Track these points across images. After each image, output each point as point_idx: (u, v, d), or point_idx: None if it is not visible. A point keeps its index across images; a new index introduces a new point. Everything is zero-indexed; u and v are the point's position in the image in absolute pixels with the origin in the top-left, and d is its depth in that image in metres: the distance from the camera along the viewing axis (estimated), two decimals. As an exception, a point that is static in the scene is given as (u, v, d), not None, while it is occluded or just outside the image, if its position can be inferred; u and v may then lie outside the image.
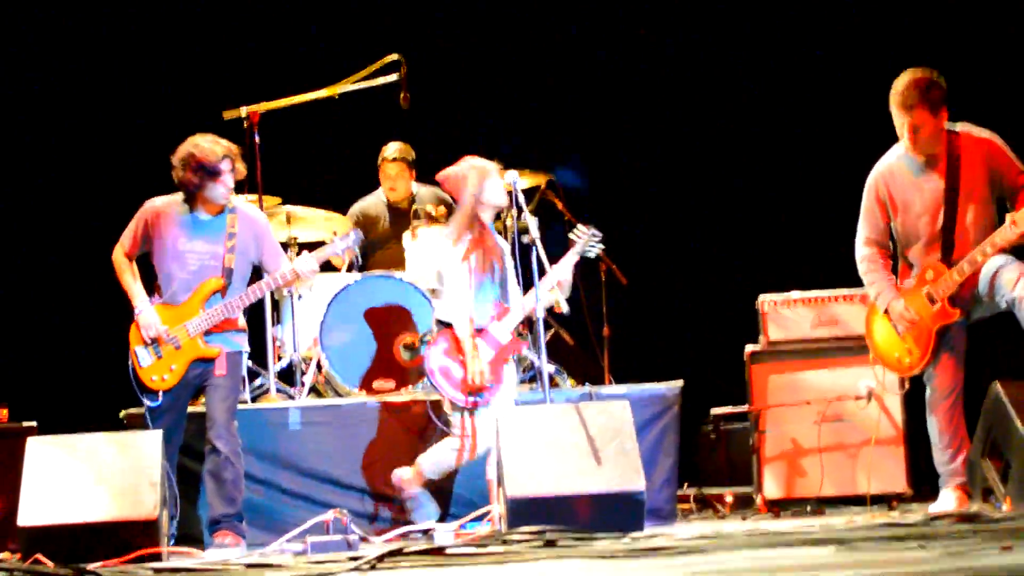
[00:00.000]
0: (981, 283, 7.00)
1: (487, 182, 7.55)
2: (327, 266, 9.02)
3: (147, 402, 7.17)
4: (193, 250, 7.24)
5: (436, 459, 7.40)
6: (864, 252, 7.33)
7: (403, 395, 8.04)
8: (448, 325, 7.40)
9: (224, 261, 7.23)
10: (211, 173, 7.16)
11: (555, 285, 7.34)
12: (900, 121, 7.03)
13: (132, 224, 7.33)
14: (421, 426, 7.72)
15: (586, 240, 7.70)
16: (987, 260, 6.91)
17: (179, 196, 7.30)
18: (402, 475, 7.44)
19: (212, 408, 7.18)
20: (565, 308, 7.25)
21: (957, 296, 7.03)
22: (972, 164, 7.02)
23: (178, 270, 7.22)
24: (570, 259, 7.64)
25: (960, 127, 7.08)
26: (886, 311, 7.22)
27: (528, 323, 8.24)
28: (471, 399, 7.28)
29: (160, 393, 7.15)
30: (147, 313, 7.18)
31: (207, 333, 7.19)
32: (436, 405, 7.58)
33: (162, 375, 7.15)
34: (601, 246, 7.78)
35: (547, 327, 8.15)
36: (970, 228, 7.03)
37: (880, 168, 7.25)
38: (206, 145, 7.19)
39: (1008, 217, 6.87)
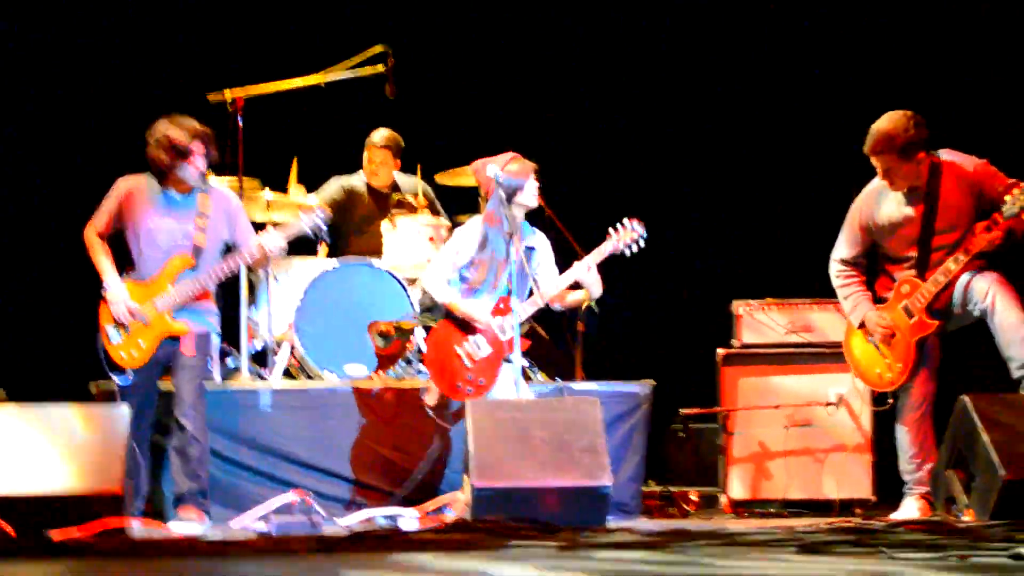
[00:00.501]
0: (956, 293, 7.08)
1: (526, 182, 7.50)
2: (306, 250, 9.03)
3: (117, 380, 7.15)
4: (163, 228, 7.23)
5: None
6: (838, 268, 7.44)
7: (375, 381, 8.04)
8: (437, 319, 7.40)
9: (194, 240, 7.23)
10: (181, 154, 7.15)
11: (577, 282, 7.39)
12: (903, 167, 7.13)
13: (105, 202, 7.32)
14: (392, 413, 7.74)
15: (625, 236, 7.55)
16: (960, 268, 6.98)
17: (150, 175, 7.30)
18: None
19: (179, 387, 7.18)
20: (595, 306, 7.30)
21: (934, 307, 7.09)
22: (952, 192, 7.14)
23: (148, 247, 7.22)
24: (597, 258, 7.54)
25: (945, 156, 7.17)
26: (862, 324, 7.28)
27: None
28: (462, 388, 7.25)
29: (129, 371, 7.15)
30: (115, 289, 7.18)
31: (176, 310, 7.19)
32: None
33: (131, 352, 7.15)
34: (643, 244, 7.55)
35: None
36: (946, 248, 7.11)
37: (864, 197, 7.39)
38: (178, 126, 7.18)
39: (977, 227, 6.97)
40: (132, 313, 7.14)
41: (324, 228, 7.62)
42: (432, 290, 7.46)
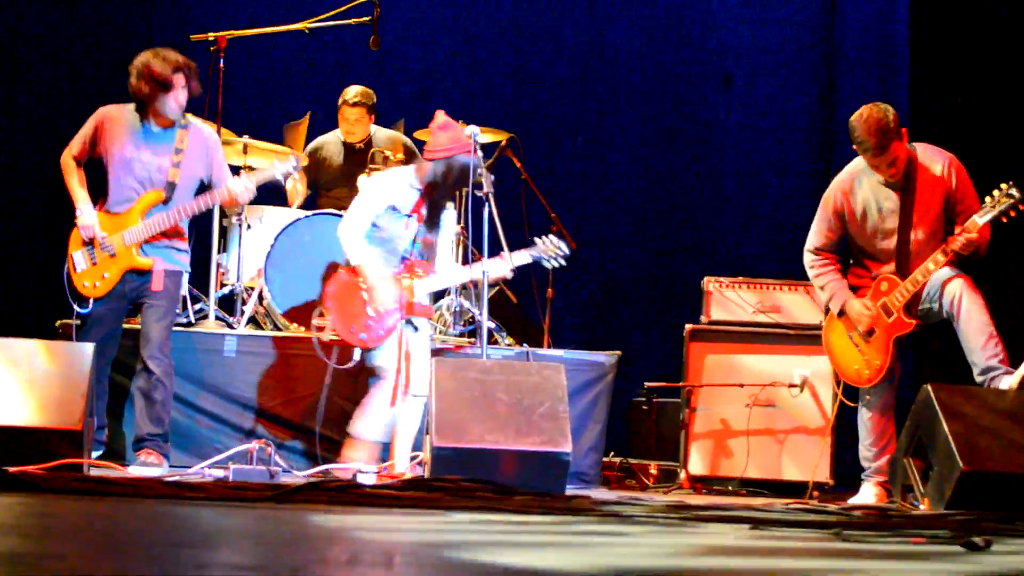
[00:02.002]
0: (931, 290, 7.09)
1: (465, 169, 7.44)
2: (279, 199, 9.01)
3: (77, 308, 7.13)
4: (140, 159, 7.19)
5: (374, 419, 7.36)
6: (812, 257, 7.43)
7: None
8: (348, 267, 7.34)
9: (168, 175, 7.20)
10: (162, 86, 7.12)
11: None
12: (875, 161, 7.10)
13: (83, 127, 7.30)
14: (358, 367, 7.72)
15: (549, 249, 7.58)
16: (938, 268, 7.00)
17: (132, 105, 7.26)
18: (351, 455, 7.28)
19: (147, 327, 7.16)
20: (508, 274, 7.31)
21: (915, 307, 7.12)
22: (927, 184, 7.13)
23: (124, 177, 7.19)
24: (520, 258, 7.53)
25: (919, 148, 7.19)
26: (841, 313, 7.29)
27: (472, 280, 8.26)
28: (356, 333, 7.21)
29: (91, 301, 7.13)
30: (87, 215, 7.16)
31: (144, 244, 7.16)
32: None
33: (94, 282, 7.12)
34: (563, 263, 7.62)
35: (491, 284, 8.17)
36: (923, 244, 7.14)
37: (840, 182, 7.36)
38: (161, 58, 7.15)
39: (957, 229, 6.99)
40: (99, 242, 7.10)
41: (296, 176, 7.59)
42: (348, 247, 7.33)
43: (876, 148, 7.04)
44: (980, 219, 6.93)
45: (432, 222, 7.49)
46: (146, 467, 6.98)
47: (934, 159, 7.19)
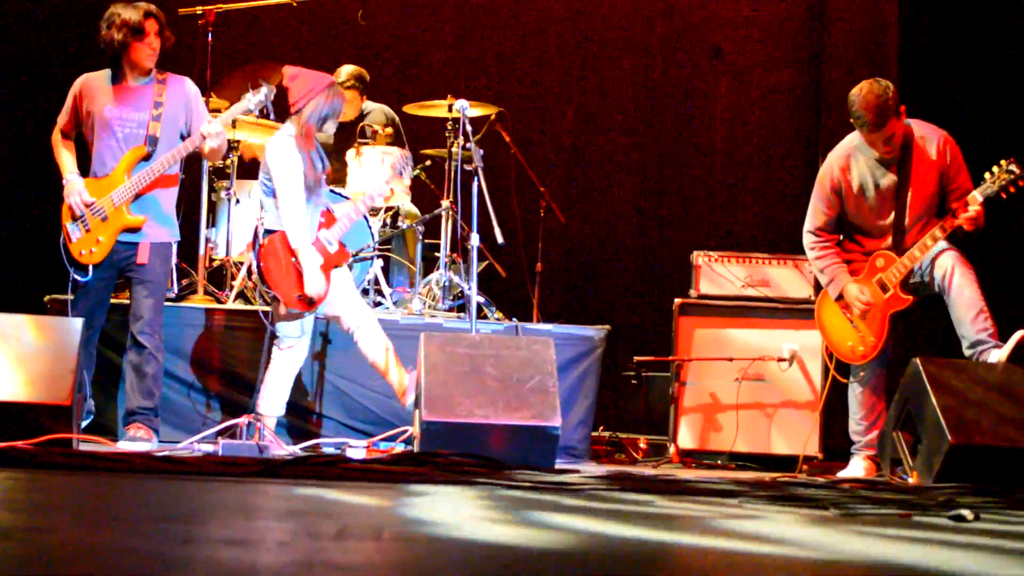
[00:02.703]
0: (923, 263, 7.11)
1: (336, 101, 7.38)
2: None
3: (77, 277, 7.09)
4: (120, 117, 7.17)
5: (277, 391, 7.30)
6: (813, 238, 7.41)
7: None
8: (274, 232, 7.25)
9: (148, 129, 7.17)
10: (134, 31, 7.09)
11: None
12: (872, 137, 7.09)
13: (66, 101, 7.30)
14: (344, 342, 7.71)
15: (399, 162, 7.77)
16: (936, 244, 7.01)
17: (107, 70, 7.24)
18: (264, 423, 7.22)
19: (138, 303, 7.15)
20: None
21: (907, 282, 7.13)
22: (923, 160, 7.13)
23: (107, 138, 7.17)
24: (383, 177, 7.67)
25: (915, 125, 7.18)
26: (839, 297, 7.29)
27: (463, 252, 8.27)
28: (304, 302, 7.17)
29: (90, 268, 7.10)
30: (72, 182, 7.15)
31: (133, 202, 7.13)
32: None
33: (90, 248, 7.10)
34: (413, 169, 7.93)
35: (481, 258, 8.17)
36: (918, 220, 7.15)
37: (836, 159, 7.33)
38: (132, 6, 7.15)
39: (954, 205, 7.00)
40: (88, 206, 7.08)
41: (270, 105, 7.51)
42: (293, 232, 7.16)
43: (873, 124, 7.03)
44: (981, 195, 6.94)
45: (320, 164, 7.38)
46: (135, 442, 6.98)
47: (929, 136, 7.19)
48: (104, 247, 7.11)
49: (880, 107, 7.00)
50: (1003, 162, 6.94)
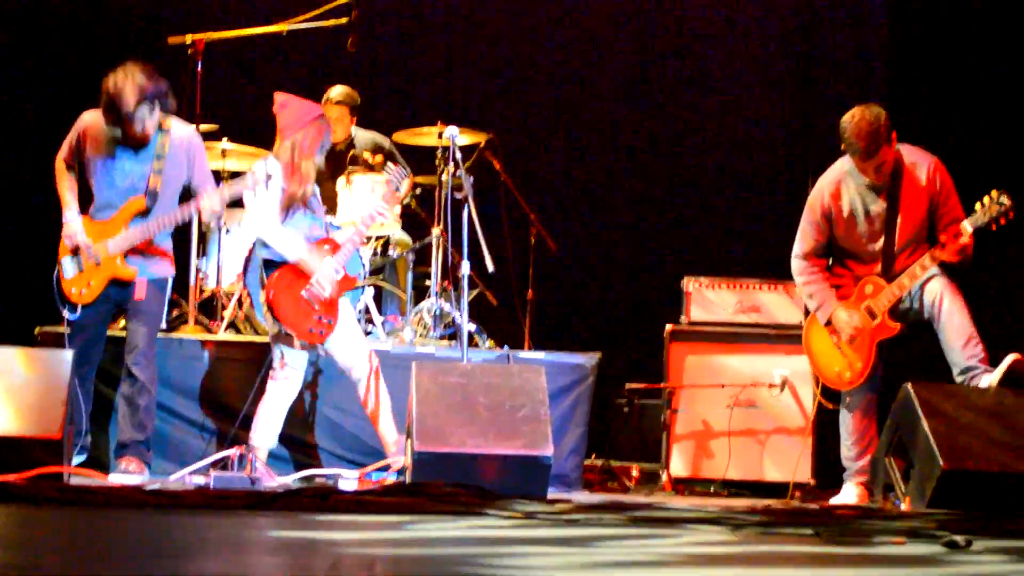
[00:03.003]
0: (912, 290, 7.11)
1: (325, 133, 7.39)
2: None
3: (66, 313, 7.10)
4: (122, 168, 7.16)
5: (269, 423, 7.26)
6: (802, 263, 7.40)
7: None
8: (278, 265, 7.22)
9: (149, 182, 7.16)
10: (124, 119, 7.02)
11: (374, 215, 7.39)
12: (863, 164, 7.10)
13: (69, 133, 7.27)
14: (336, 372, 7.70)
15: (395, 177, 7.55)
16: (925, 273, 7.02)
17: None
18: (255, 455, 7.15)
19: (133, 334, 7.14)
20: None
21: (895, 309, 7.13)
22: (913, 187, 7.14)
23: (104, 186, 7.16)
24: (381, 194, 7.61)
25: (905, 150, 7.18)
26: (828, 322, 7.29)
27: (454, 281, 8.27)
28: (318, 334, 7.16)
29: (79, 307, 7.10)
30: (72, 223, 7.13)
31: (127, 254, 7.13)
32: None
33: (80, 289, 7.09)
34: (408, 180, 7.89)
35: (472, 286, 8.17)
36: (908, 246, 7.16)
37: (826, 184, 7.32)
38: (126, 85, 6.97)
39: (942, 238, 7.00)
40: (84, 249, 7.07)
41: (264, 181, 7.54)
42: (280, 246, 7.13)
43: (864, 152, 7.04)
44: (971, 225, 6.95)
45: (306, 191, 7.32)
46: (127, 475, 6.96)
47: (919, 162, 7.19)
48: (94, 291, 7.10)
49: (872, 134, 7.00)
50: (994, 193, 6.95)
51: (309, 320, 7.12)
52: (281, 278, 7.16)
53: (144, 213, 7.15)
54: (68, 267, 7.12)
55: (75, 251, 7.11)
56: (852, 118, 7.07)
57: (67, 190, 7.22)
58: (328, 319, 7.16)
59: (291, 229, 7.16)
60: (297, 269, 7.15)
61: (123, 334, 7.25)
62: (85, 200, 7.24)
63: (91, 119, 7.22)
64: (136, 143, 7.13)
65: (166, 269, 7.29)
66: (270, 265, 7.18)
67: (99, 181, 7.17)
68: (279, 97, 7.35)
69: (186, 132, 7.36)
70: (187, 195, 7.31)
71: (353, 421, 7.73)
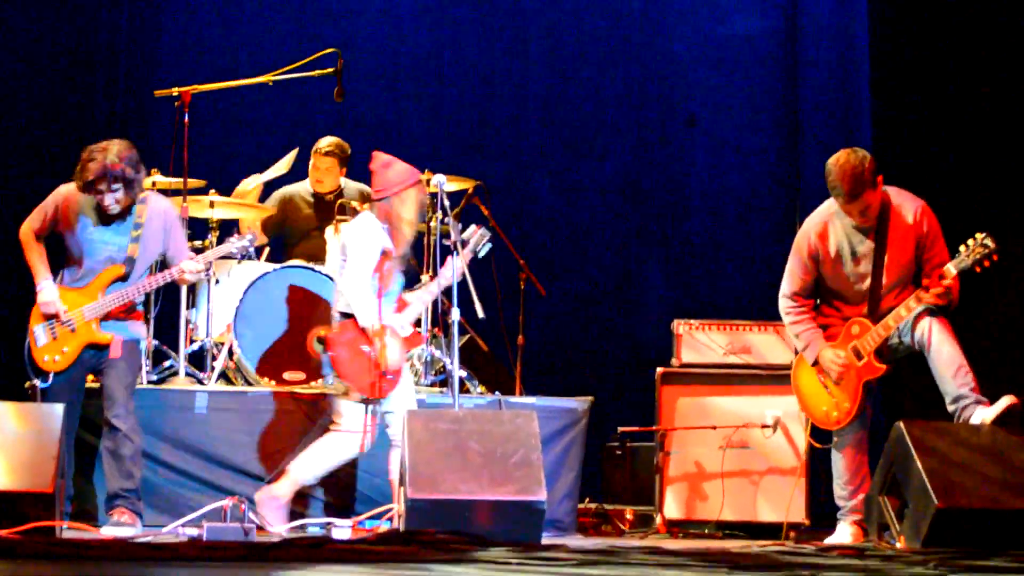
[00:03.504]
0: (901, 328, 7.11)
1: (423, 197, 7.59)
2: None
3: (37, 383, 7.12)
4: (101, 240, 7.19)
5: (317, 462, 7.32)
6: (789, 303, 7.40)
7: (313, 388, 8.00)
8: (349, 316, 7.34)
9: (128, 250, 7.19)
10: (95, 191, 7.07)
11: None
12: (847, 207, 7.12)
13: (43, 205, 7.26)
14: (330, 421, 7.70)
15: (477, 241, 7.72)
16: (910, 315, 7.03)
17: None
18: (274, 492, 7.29)
19: (111, 388, 7.15)
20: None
21: (882, 349, 7.14)
22: (900, 229, 7.16)
23: (86, 258, 7.19)
24: (461, 260, 7.57)
25: (892, 192, 7.21)
26: (815, 362, 7.29)
27: (444, 327, 8.27)
28: (379, 388, 7.20)
29: (51, 375, 7.10)
30: (48, 291, 7.15)
31: (103, 320, 7.15)
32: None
33: (54, 356, 7.11)
34: (490, 246, 7.83)
35: (462, 332, 8.17)
36: (894, 287, 7.17)
37: (813, 225, 7.33)
38: (92, 161, 7.04)
39: (925, 281, 7.02)
40: (59, 316, 7.08)
41: (251, 251, 7.69)
42: (359, 307, 7.26)
43: (848, 196, 7.06)
44: (955, 268, 6.97)
45: (401, 256, 7.50)
46: (119, 527, 6.94)
47: (906, 204, 7.21)
48: (68, 357, 7.12)
49: (855, 178, 7.02)
50: (978, 235, 6.96)
51: (371, 374, 7.18)
52: (343, 331, 7.30)
53: (122, 279, 7.18)
54: (40, 335, 7.14)
55: (48, 318, 7.11)
56: (836, 161, 7.10)
57: (38, 260, 7.22)
58: (390, 375, 7.24)
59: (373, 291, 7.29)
60: (356, 327, 7.27)
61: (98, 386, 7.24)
62: (54, 267, 7.25)
63: (69, 192, 7.24)
64: (111, 217, 7.16)
65: (140, 329, 7.36)
66: (343, 317, 7.33)
67: (79, 253, 7.20)
68: (381, 156, 7.52)
69: (164, 204, 7.42)
70: (162, 265, 7.36)
71: (346, 469, 7.71)
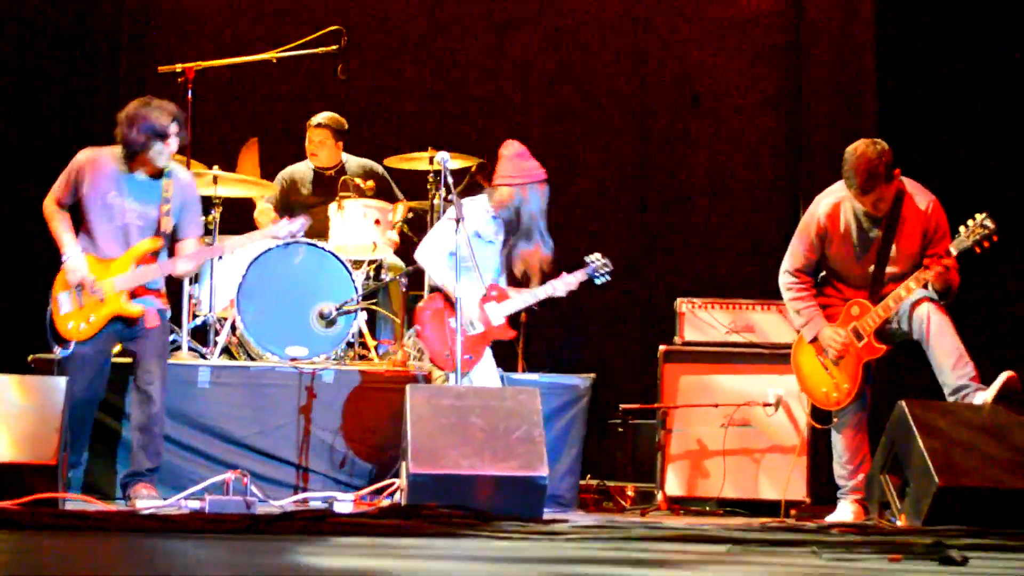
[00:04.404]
0: (900, 312, 7.11)
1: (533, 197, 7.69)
2: (249, 228, 9.02)
3: (57, 350, 7.07)
4: (123, 206, 7.14)
5: None
6: (790, 279, 7.40)
7: (315, 363, 8.01)
8: (438, 290, 7.46)
9: (161, 225, 7.16)
10: (159, 135, 7.08)
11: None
12: (860, 200, 7.11)
13: (65, 172, 7.21)
14: (331, 395, 7.71)
15: (598, 267, 7.86)
16: (910, 295, 7.03)
17: (116, 149, 7.20)
18: None
19: (146, 358, 7.13)
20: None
21: (883, 330, 7.14)
22: (911, 219, 7.16)
23: (106, 223, 7.12)
24: (575, 279, 7.82)
25: (908, 183, 7.20)
26: (814, 340, 7.30)
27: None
28: (457, 362, 7.22)
29: (72, 343, 7.06)
30: (76, 259, 7.07)
31: (132, 294, 7.13)
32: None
33: (79, 324, 7.05)
34: (608, 279, 7.96)
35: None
36: (898, 276, 7.18)
37: (824, 208, 7.31)
38: (156, 106, 7.12)
39: (926, 261, 7.05)
40: (88, 285, 7.05)
41: (300, 236, 7.79)
42: (431, 269, 7.53)
43: (860, 188, 7.06)
44: (955, 249, 6.96)
45: (515, 245, 7.68)
46: (149, 501, 6.94)
47: (920, 196, 7.20)
48: (94, 327, 7.06)
49: (869, 172, 7.01)
50: (978, 216, 6.96)
51: (448, 347, 7.28)
52: (429, 303, 7.49)
53: (157, 254, 7.16)
54: (65, 302, 7.07)
55: (78, 287, 7.07)
56: (854, 152, 7.07)
57: (64, 229, 7.14)
58: (469, 355, 7.35)
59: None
60: (443, 300, 7.41)
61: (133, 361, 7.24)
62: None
63: (92, 155, 7.21)
64: (149, 172, 7.15)
65: (165, 305, 7.32)
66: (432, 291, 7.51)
67: (99, 219, 7.13)
68: (514, 145, 7.72)
69: (188, 178, 7.44)
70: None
71: (347, 444, 7.74)
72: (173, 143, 7.16)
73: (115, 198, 7.14)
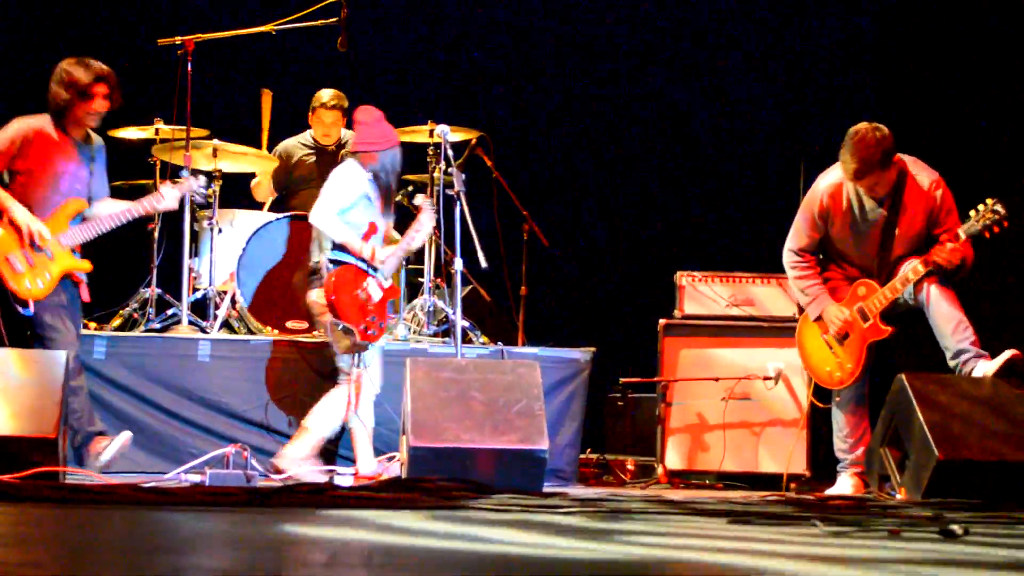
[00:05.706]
0: (906, 293, 7.11)
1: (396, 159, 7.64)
2: (250, 203, 9.01)
3: (20, 311, 7.00)
4: (68, 172, 7.12)
5: (329, 415, 7.37)
6: (794, 258, 7.39)
7: (314, 336, 8.01)
8: (338, 264, 7.36)
9: (89, 186, 7.18)
10: (81, 94, 7.05)
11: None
12: (856, 184, 7.10)
13: (7, 138, 7.09)
14: (329, 369, 7.70)
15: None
16: (918, 278, 7.02)
17: (47, 116, 7.15)
18: (290, 454, 7.33)
19: (77, 328, 7.17)
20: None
21: (888, 311, 7.13)
22: (914, 199, 7.13)
23: (51, 191, 7.08)
24: (421, 223, 7.72)
25: (910, 161, 7.17)
26: (819, 319, 7.29)
27: (447, 277, 8.28)
28: (369, 332, 7.23)
29: (32, 303, 6.99)
30: (22, 213, 6.97)
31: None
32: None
33: (36, 282, 6.95)
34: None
35: (465, 283, 8.17)
36: (902, 256, 7.17)
37: (826, 186, 7.29)
38: (82, 66, 7.08)
39: (940, 240, 7.02)
40: (39, 237, 6.97)
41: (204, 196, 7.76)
42: (331, 230, 7.40)
43: (855, 172, 7.04)
44: (964, 232, 6.95)
45: (386, 210, 7.62)
46: (113, 448, 6.93)
47: (922, 175, 7.18)
48: (50, 283, 6.99)
49: (866, 159, 6.98)
50: (989, 201, 6.94)
51: (364, 320, 7.25)
52: (341, 275, 7.32)
53: (79, 214, 7.13)
54: (16, 262, 6.94)
55: (22, 246, 6.98)
56: (855, 135, 7.04)
57: (5, 194, 7.05)
58: (382, 322, 7.34)
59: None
60: (354, 271, 7.32)
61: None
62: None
63: (33, 124, 7.14)
64: (78, 133, 7.15)
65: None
66: (335, 265, 7.35)
67: (45, 187, 7.07)
68: (371, 111, 7.59)
69: (101, 140, 7.41)
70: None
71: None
72: (99, 104, 7.10)
73: (62, 165, 7.11)
